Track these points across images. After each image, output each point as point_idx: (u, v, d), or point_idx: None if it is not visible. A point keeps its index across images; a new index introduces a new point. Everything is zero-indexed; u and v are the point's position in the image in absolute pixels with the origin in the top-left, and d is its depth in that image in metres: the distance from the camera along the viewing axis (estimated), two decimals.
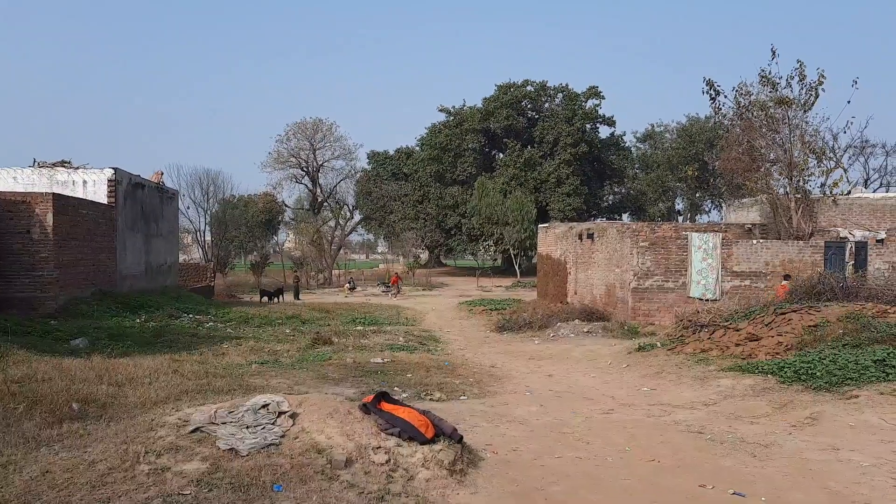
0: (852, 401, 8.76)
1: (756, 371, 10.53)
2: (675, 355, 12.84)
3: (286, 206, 64.13)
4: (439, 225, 56.74)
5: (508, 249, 49.14)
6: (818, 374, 9.61)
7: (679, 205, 62.91)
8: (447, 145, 55.69)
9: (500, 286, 44.62)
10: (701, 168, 47.12)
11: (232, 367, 11.49)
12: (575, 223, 27.65)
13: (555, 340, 17.04)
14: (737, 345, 12.42)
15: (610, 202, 61.36)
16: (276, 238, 64.31)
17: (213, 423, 6.35)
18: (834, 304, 12.98)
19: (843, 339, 10.92)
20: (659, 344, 13.99)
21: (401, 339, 17.16)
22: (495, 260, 59.48)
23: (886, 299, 13.27)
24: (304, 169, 62.97)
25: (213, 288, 33.92)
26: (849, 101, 28.08)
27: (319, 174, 63.25)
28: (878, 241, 18.14)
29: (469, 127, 55.48)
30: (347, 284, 42.85)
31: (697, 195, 58.22)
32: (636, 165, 61.19)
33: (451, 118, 57.88)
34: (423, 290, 43.05)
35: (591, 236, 21.72)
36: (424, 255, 66.57)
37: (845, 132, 42.24)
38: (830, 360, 9.95)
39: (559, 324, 18.52)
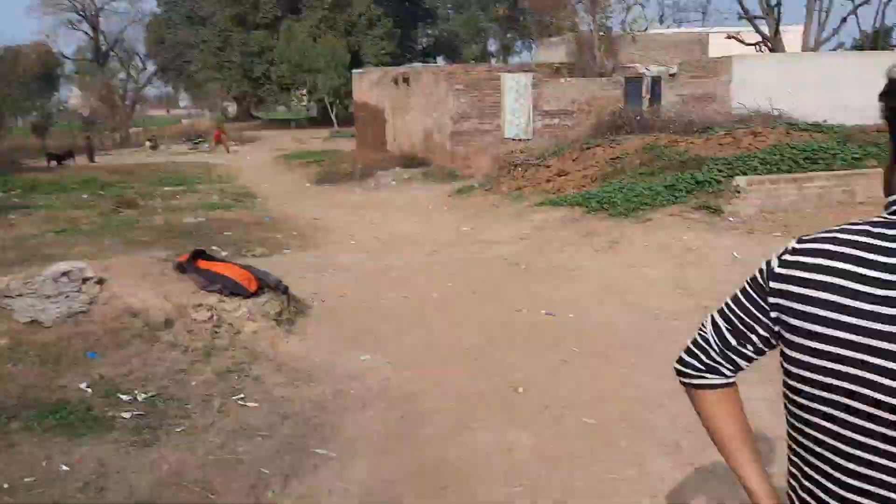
0: (646, 223, 9.67)
1: (565, 203, 11.22)
2: (493, 195, 13.37)
3: (65, 57, 56.69)
4: (245, 75, 53.09)
5: (323, 98, 47.45)
6: (618, 202, 10.44)
7: (492, 46, 63.57)
8: None
9: (317, 138, 43.38)
10: (511, 7, 47.41)
11: (23, 238, 10.38)
12: (390, 68, 27.06)
13: (376, 189, 17.06)
14: (548, 181, 13.12)
15: (424, 45, 60.49)
16: (57, 95, 57.22)
17: (8, 297, 5.73)
18: (633, 137, 13.99)
19: (640, 168, 11.88)
20: (476, 185, 14.47)
21: (215, 197, 16.33)
22: (309, 111, 57.43)
23: (676, 129, 14.49)
24: (81, 13, 55.37)
25: None
26: None
27: (100, 18, 56.02)
28: (670, 75, 19.53)
29: None
30: (148, 143, 39.58)
31: (509, 36, 58.94)
32: (449, 6, 60.25)
33: None
34: (235, 145, 40.92)
35: (406, 81, 21.40)
36: (233, 108, 62.71)
37: None
38: (629, 189, 10.82)
39: (380, 173, 18.48)
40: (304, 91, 49.11)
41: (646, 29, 24.93)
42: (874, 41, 25.84)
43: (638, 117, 15.42)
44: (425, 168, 18.65)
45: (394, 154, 21.95)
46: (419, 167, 18.97)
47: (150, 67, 59.73)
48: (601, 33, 20.90)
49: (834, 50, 26.18)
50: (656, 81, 19.53)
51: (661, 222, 9.63)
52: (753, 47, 21.89)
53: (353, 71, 29.36)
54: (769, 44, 21.61)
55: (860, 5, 21.76)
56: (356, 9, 50.19)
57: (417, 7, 56.49)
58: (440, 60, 59.35)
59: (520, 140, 18.08)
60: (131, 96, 54.95)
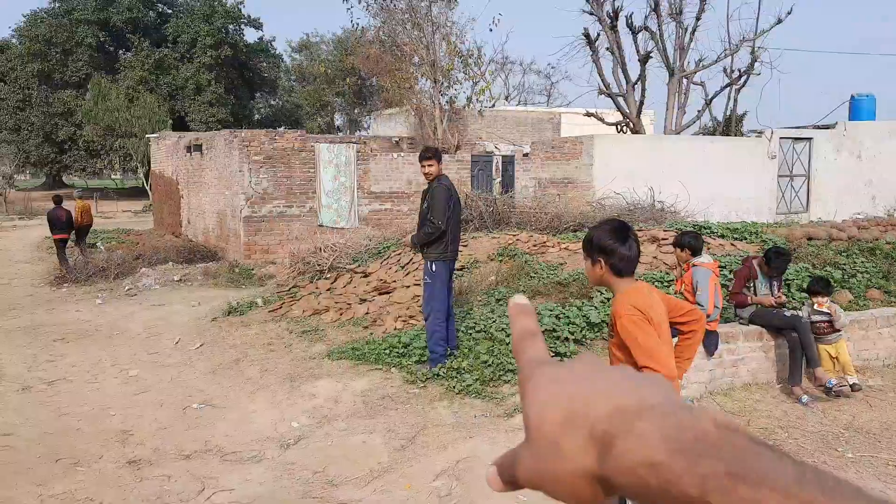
0: (501, 405, 5.45)
1: (375, 361, 6.74)
2: (277, 321, 8.72)
3: None
4: (48, 137, 45.68)
5: (137, 167, 41.05)
6: (467, 365, 6.14)
7: (339, 120, 59.61)
8: (53, 38, 44.38)
9: (129, 210, 37.32)
10: (360, 83, 43.92)
11: None
12: (185, 133, 22.16)
13: (123, 298, 11.73)
14: (361, 300, 8.74)
15: (262, 115, 55.62)
16: None
17: None
18: (483, 235, 10.08)
19: (498, 291, 7.77)
20: (260, 301, 9.76)
21: None
22: (125, 179, 50.35)
23: (540, 226, 10.78)
24: None
25: None
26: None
27: None
28: (524, 154, 16.16)
29: (81, 17, 44.74)
30: None
31: (356, 111, 55.39)
32: (292, 77, 56.04)
33: (58, 4, 46.29)
34: (18, 218, 33.77)
35: (199, 148, 16.59)
36: (24, 176, 54.07)
37: (489, 40, 42.35)
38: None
39: (144, 269, 13.30)
40: (117, 157, 42.57)
41: (493, 105, 21.77)
42: (726, 128, 24.38)
43: (490, 207, 11.49)
44: (210, 263, 13.78)
45: (184, 240, 16.93)
46: (205, 261, 14.12)
47: None
48: (445, 105, 17.36)
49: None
50: (508, 162, 16.05)
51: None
52: (614, 128, 19.27)
53: (149, 136, 24.10)
54: (632, 123, 19.03)
55: (714, 97, 19.96)
56: (183, 73, 44.80)
57: (255, 75, 51.99)
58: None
59: (339, 229, 13.73)
60: None
